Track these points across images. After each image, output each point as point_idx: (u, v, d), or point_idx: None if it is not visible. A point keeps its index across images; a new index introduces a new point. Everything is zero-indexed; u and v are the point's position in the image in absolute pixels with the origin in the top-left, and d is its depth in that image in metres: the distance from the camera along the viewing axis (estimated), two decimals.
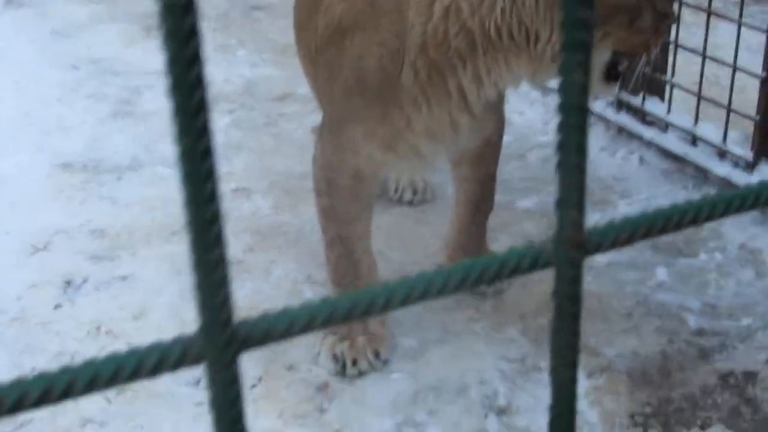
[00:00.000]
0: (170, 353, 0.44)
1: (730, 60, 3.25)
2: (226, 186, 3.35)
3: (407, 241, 3.08)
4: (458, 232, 2.79)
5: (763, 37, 3.18)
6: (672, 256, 3.01)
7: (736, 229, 3.10)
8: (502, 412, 2.42)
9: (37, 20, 4.90)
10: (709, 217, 0.60)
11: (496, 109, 2.56)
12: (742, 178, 3.19)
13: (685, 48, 3.44)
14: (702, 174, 3.34)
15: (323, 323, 0.47)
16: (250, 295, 2.79)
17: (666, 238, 3.05)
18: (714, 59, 3.33)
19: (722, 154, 3.29)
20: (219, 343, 0.43)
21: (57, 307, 2.80)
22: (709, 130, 3.35)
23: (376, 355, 2.54)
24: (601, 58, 2.26)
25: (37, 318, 2.75)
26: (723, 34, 3.79)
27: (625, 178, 3.44)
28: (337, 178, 2.45)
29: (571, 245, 0.52)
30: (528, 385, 2.50)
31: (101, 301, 2.82)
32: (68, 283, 2.90)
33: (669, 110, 3.48)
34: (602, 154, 3.58)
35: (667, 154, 3.48)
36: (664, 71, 3.47)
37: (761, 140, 3.18)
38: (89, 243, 3.08)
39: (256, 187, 3.37)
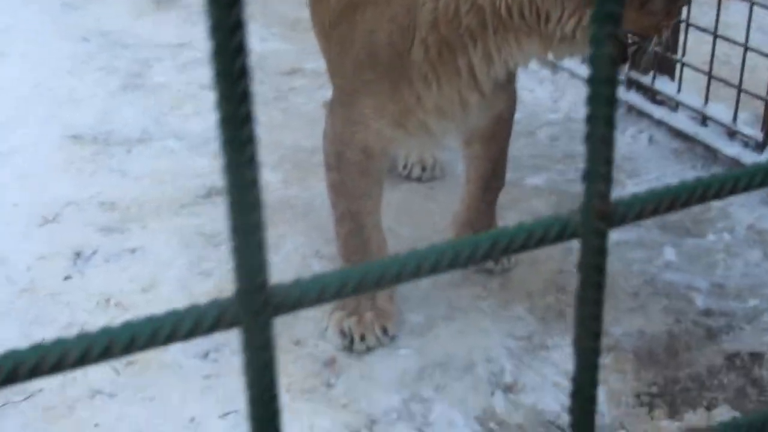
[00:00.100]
0: (206, 316, 0.44)
1: (742, 39, 3.24)
2: None
3: (416, 217, 3.08)
4: (468, 209, 2.80)
5: None
6: (680, 235, 3.01)
7: (745, 210, 3.09)
8: (508, 389, 2.43)
9: None
10: (732, 191, 0.60)
11: (506, 88, 2.56)
12: (751, 158, 3.18)
13: (696, 27, 3.43)
14: (711, 154, 3.34)
15: (354, 290, 0.47)
16: None
17: (674, 218, 3.05)
18: (725, 38, 3.32)
19: (732, 134, 3.29)
20: (254, 308, 0.44)
21: (67, 278, 2.81)
22: (720, 109, 3.34)
23: (384, 330, 2.55)
24: None
25: (46, 289, 2.76)
26: (735, 13, 3.78)
27: (634, 158, 3.44)
28: (347, 152, 2.45)
29: (598, 216, 0.52)
30: (534, 363, 2.51)
31: (111, 273, 2.83)
32: (78, 254, 2.91)
33: (679, 89, 3.48)
34: None
35: (676, 133, 3.47)
36: (675, 50, 3.46)
37: None
38: (99, 215, 3.09)
39: (265, 161, 3.37)
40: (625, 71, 3.48)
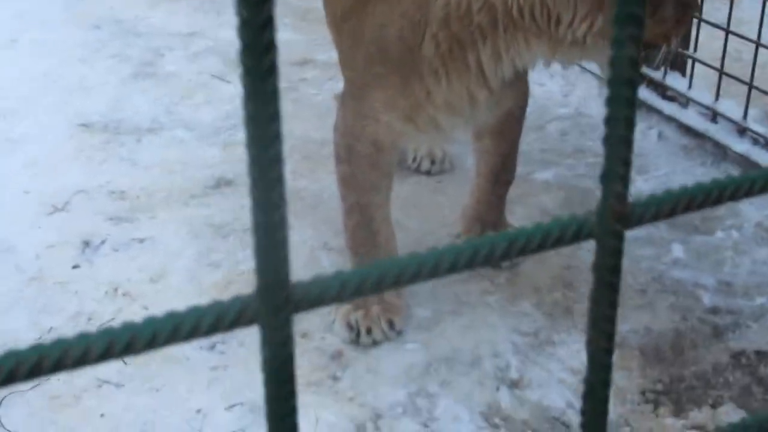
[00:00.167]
0: (227, 313, 0.45)
1: (754, 36, 3.23)
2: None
3: (424, 211, 3.08)
4: (477, 203, 2.80)
5: None
6: (688, 233, 3.00)
7: (754, 207, 3.09)
8: (514, 385, 2.43)
9: None
10: (748, 193, 0.60)
11: (517, 84, 2.56)
12: (761, 155, 3.18)
13: (708, 23, 3.42)
14: (721, 151, 3.33)
15: (374, 287, 0.47)
16: None
17: (682, 215, 3.04)
18: (737, 35, 3.31)
19: (742, 131, 3.28)
20: (275, 305, 0.44)
21: (75, 267, 2.81)
22: (730, 106, 3.34)
23: (391, 325, 2.55)
24: None
25: (55, 278, 2.76)
26: (747, 9, 3.77)
27: (644, 154, 3.43)
28: (357, 145, 2.46)
29: (615, 217, 0.52)
30: (540, 359, 2.51)
31: (119, 262, 2.83)
32: (87, 243, 2.91)
33: (690, 85, 3.47)
34: None
35: (686, 129, 3.47)
36: (687, 46, 3.46)
37: None
38: (108, 204, 3.10)
39: None
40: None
